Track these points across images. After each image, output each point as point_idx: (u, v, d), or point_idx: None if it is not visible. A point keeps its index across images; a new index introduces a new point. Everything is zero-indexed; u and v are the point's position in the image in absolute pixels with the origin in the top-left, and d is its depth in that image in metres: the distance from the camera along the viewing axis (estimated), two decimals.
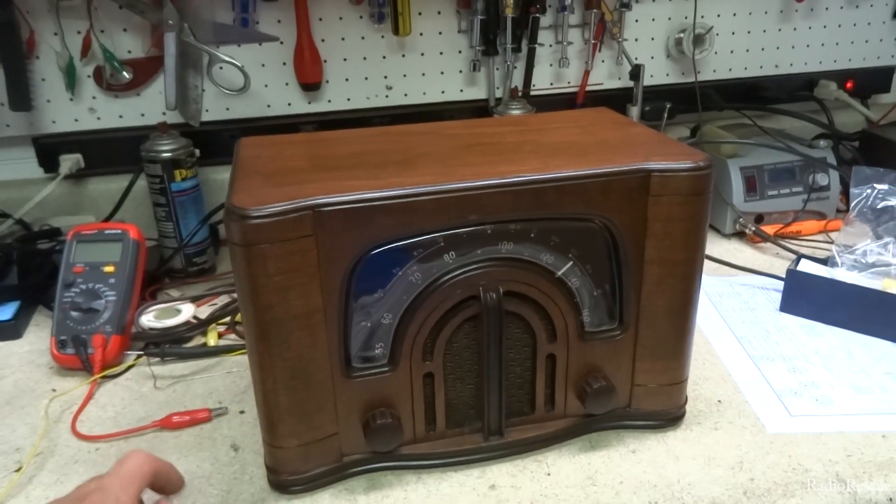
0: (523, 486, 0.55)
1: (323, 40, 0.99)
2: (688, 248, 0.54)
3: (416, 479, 0.56)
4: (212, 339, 0.75)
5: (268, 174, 0.52)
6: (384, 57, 1.03)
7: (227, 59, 0.89)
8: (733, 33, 1.15)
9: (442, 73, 1.06)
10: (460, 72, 1.06)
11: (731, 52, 1.16)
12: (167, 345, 0.74)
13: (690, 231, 0.54)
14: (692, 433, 0.61)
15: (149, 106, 0.98)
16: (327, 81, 1.02)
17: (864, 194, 0.82)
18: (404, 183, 0.49)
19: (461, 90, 1.07)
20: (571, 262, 0.54)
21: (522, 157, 0.54)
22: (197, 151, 0.88)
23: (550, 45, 1.08)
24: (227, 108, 1.00)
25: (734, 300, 0.82)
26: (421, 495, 0.54)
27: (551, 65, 1.09)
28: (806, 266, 0.81)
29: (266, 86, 1.00)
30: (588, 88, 1.10)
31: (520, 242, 0.52)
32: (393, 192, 0.48)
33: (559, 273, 0.54)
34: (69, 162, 0.95)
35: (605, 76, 1.12)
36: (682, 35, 1.10)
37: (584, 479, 0.56)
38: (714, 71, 1.17)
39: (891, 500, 0.54)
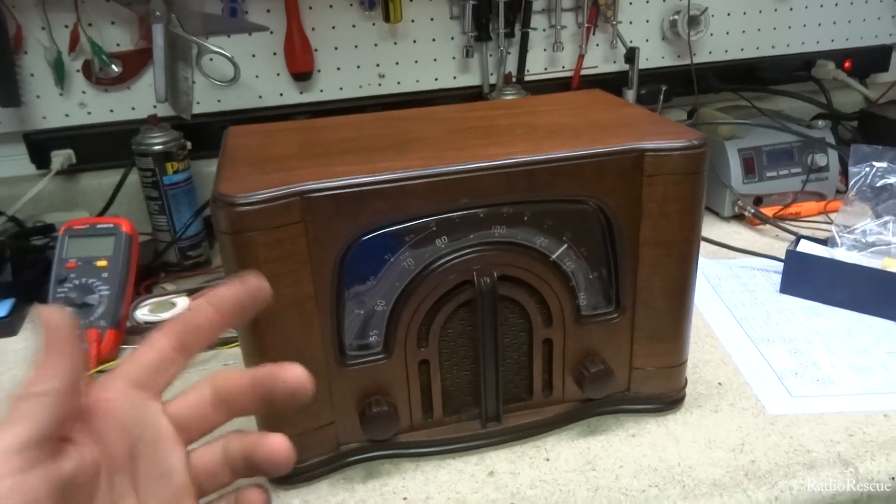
0: (522, 472, 0.55)
1: (313, 29, 0.98)
2: (684, 228, 0.53)
3: (414, 466, 0.56)
4: None
5: (256, 162, 0.51)
6: (376, 45, 1.02)
7: (216, 49, 0.88)
8: (729, 14, 1.14)
9: (435, 60, 1.05)
10: (453, 58, 1.05)
11: (727, 33, 1.15)
12: None
13: (686, 211, 0.53)
14: (692, 416, 0.60)
15: (139, 99, 0.97)
16: (319, 71, 1.01)
17: (863, 172, 0.81)
18: (394, 167, 0.48)
19: (454, 77, 1.06)
20: (566, 245, 0.53)
21: (514, 139, 0.53)
22: (188, 144, 0.88)
23: (544, 30, 1.07)
24: (219, 100, 1.00)
25: (734, 283, 0.82)
26: (419, 483, 0.54)
27: (545, 49, 1.08)
28: (805, 247, 0.80)
29: (257, 76, 0.99)
30: (583, 72, 1.09)
31: (513, 226, 0.51)
32: (383, 177, 0.47)
33: (553, 256, 0.53)
34: (61, 158, 0.95)
35: (600, 60, 1.11)
36: (676, 17, 1.09)
37: (583, 463, 0.55)
38: (710, 53, 1.16)
39: (893, 478, 0.53)
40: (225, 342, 0.73)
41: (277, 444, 0.32)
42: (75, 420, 0.30)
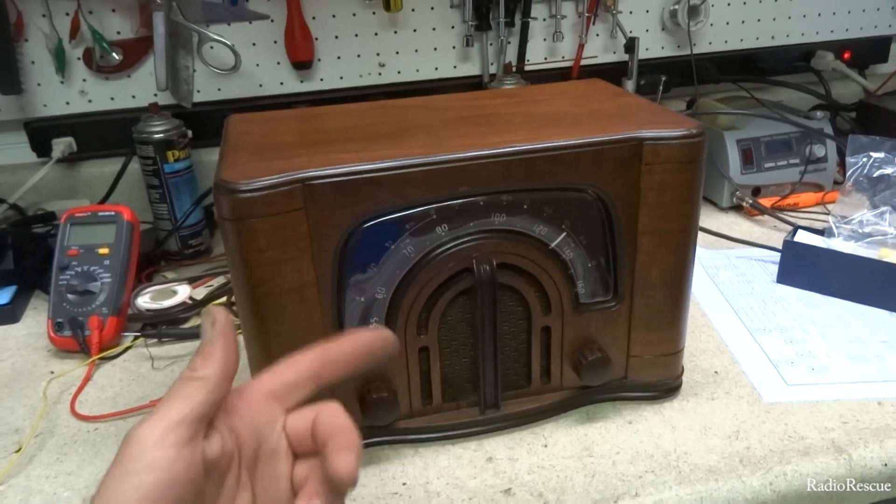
0: (520, 458, 0.55)
1: (314, 18, 0.98)
2: (681, 217, 0.54)
3: (413, 452, 0.56)
4: None
5: (257, 149, 0.51)
6: (376, 34, 1.02)
7: (217, 38, 0.88)
8: (729, 4, 1.14)
9: (435, 49, 1.05)
10: (453, 48, 1.05)
11: (727, 23, 1.15)
12: (164, 326, 0.74)
13: (684, 200, 0.53)
14: (689, 404, 0.61)
15: (140, 87, 0.97)
16: (319, 60, 1.01)
17: (861, 163, 0.81)
18: (395, 155, 0.48)
19: (454, 66, 1.06)
20: (565, 234, 0.54)
21: (514, 127, 0.54)
22: (189, 132, 0.88)
23: (544, 19, 1.07)
24: (219, 89, 1.00)
25: (731, 272, 0.82)
26: (419, 468, 0.55)
27: (545, 39, 1.08)
28: (802, 237, 0.81)
29: (257, 65, 0.99)
30: (582, 62, 1.09)
31: (513, 214, 0.52)
32: (383, 165, 0.47)
33: (553, 244, 0.54)
34: (61, 145, 0.95)
35: (600, 50, 1.11)
36: (676, 7, 1.09)
37: (580, 450, 0.56)
38: (710, 43, 1.16)
39: (885, 465, 0.54)
40: None
41: (341, 467, 0.32)
42: (223, 408, 0.33)
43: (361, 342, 0.37)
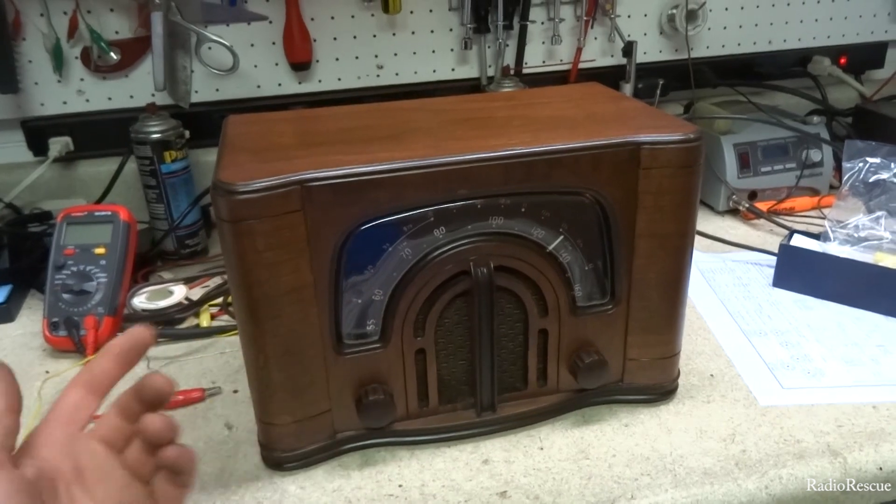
0: (516, 461, 0.55)
1: (312, 19, 0.98)
2: (678, 220, 0.54)
3: (409, 454, 0.56)
4: (204, 321, 0.75)
5: (255, 150, 0.51)
6: (374, 35, 1.02)
7: (215, 38, 0.88)
8: (726, 9, 1.14)
9: (433, 51, 1.05)
10: (452, 50, 1.05)
11: (725, 28, 1.16)
12: (160, 326, 0.74)
13: (681, 204, 0.54)
14: (685, 407, 0.61)
15: (137, 87, 0.97)
16: (317, 61, 1.01)
17: (857, 168, 0.82)
18: (393, 157, 0.48)
19: (453, 69, 1.06)
20: (562, 237, 0.54)
21: (512, 130, 0.54)
22: (187, 133, 0.88)
23: (542, 23, 1.07)
24: (217, 90, 1.00)
25: (727, 276, 0.82)
26: (414, 470, 0.55)
27: (543, 42, 1.08)
28: (798, 241, 0.81)
29: (255, 66, 0.99)
30: (580, 66, 1.10)
31: (510, 217, 0.52)
32: (381, 167, 0.47)
33: (550, 247, 0.54)
34: (58, 145, 0.95)
35: (598, 53, 1.11)
36: (674, 11, 1.09)
37: (576, 452, 0.56)
38: (707, 47, 1.16)
39: (880, 468, 0.54)
40: (223, 330, 0.73)
41: (157, 379, 0.40)
42: (26, 451, 0.38)
43: (119, 350, 0.42)
